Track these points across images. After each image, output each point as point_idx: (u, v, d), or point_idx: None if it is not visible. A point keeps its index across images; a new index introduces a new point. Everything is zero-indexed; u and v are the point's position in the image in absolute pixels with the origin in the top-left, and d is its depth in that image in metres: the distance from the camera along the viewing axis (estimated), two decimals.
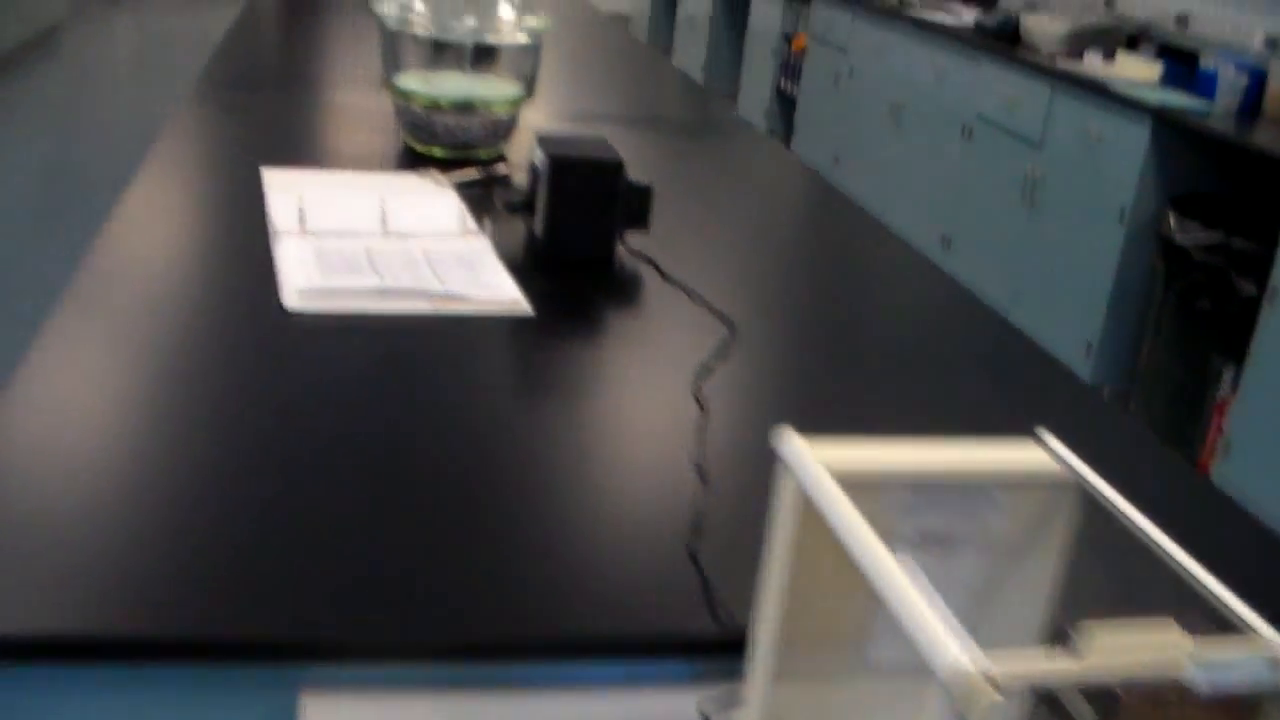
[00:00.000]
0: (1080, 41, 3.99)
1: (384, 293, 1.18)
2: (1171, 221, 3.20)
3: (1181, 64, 3.79)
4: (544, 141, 1.34)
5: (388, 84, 1.73)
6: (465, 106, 1.69)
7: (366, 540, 0.79)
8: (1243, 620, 0.49)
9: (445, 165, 1.69)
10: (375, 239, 1.33)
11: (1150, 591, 0.56)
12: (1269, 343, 2.87)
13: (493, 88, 1.73)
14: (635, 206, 1.35)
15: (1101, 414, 1.16)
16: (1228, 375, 3.11)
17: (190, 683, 0.70)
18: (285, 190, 1.46)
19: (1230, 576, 0.55)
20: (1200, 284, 3.14)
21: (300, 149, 1.68)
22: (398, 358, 1.06)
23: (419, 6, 1.72)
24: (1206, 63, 3.65)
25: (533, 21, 1.72)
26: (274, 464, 0.87)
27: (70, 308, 1.08)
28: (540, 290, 1.26)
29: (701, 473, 0.94)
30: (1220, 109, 3.43)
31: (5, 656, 0.68)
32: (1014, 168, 3.97)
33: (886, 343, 1.25)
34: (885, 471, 0.57)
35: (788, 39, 5.95)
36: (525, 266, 1.33)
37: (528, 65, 1.75)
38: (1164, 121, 3.29)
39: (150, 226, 1.31)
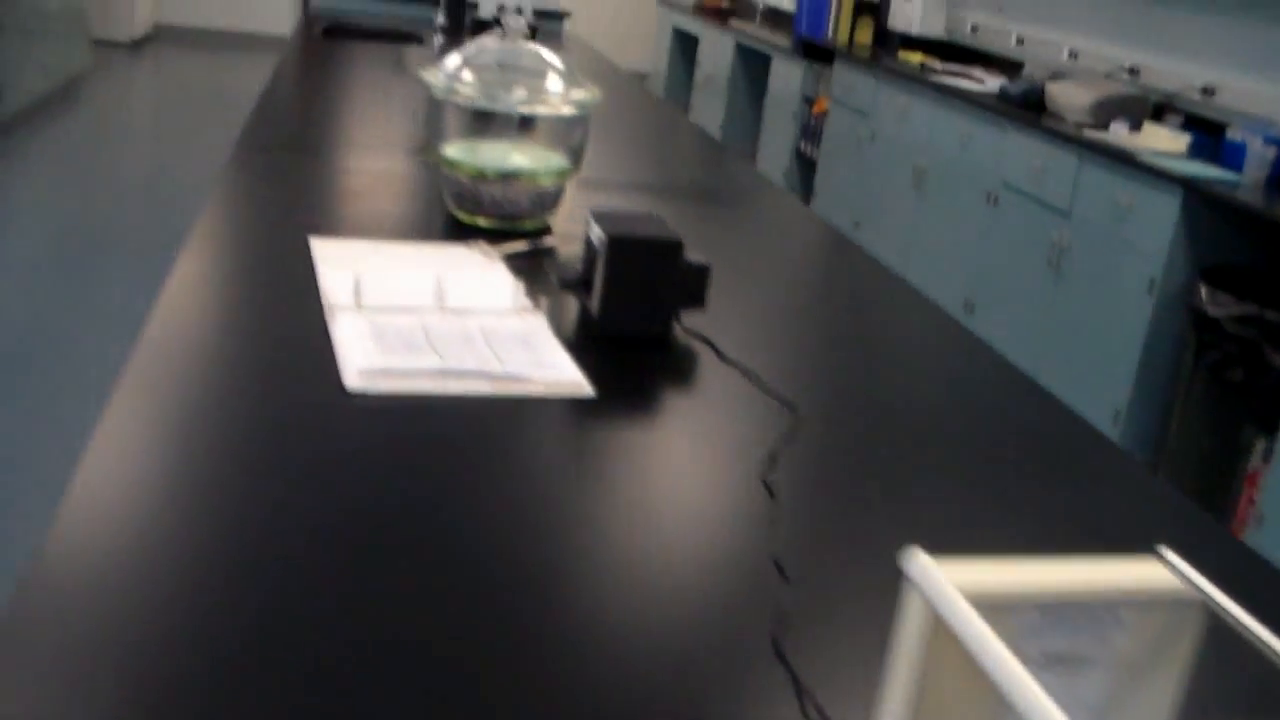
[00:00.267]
0: (1106, 111, 4.01)
1: (445, 373, 1.16)
2: (1203, 293, 3.19)
3: (1208, 135, 3.80)
4: (600, 219, 1.33)
5: (432, 152, 1.73)
6: (511, 177, 1.69)
7: (424, 646, 0.77)
8: None
9: (491, 236, 1.69)
10: (431, 315, 1.32)
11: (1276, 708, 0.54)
12: None
13: (539, 158, 1.73)
14: (693, 285, 1.34)
15: (1168, 505, 1.14)
16: (1260, 446, 3.09)
17: None
18: (335, 261, 1.46)
19: None
20: (1233, 355, 3.13)
21: (343, 217, 1.68)
22: (462, 442, 1.05)
23: (467, 76, 1.72)
24: (1233, 134, 3.66)
25: (581, 94, 1.72)
26: (343, 562, 0.85)
27: (130, 384, 1.07)
28: (598, 370, 1.25)
29: (779, 565, 0.92)
30: (1249, 180, 3.44)
31: None
32: (1040, 235, 3.97)
33: (940, 420, 1.23)
34: (1016, 593, 0.56)
35: (809, 101, 5.99)
36: (580, 344, 1.31)
37: (575, 137, 1.74)
38: (1194, 192, 3.29)
39: (203, 298, 1.30)
